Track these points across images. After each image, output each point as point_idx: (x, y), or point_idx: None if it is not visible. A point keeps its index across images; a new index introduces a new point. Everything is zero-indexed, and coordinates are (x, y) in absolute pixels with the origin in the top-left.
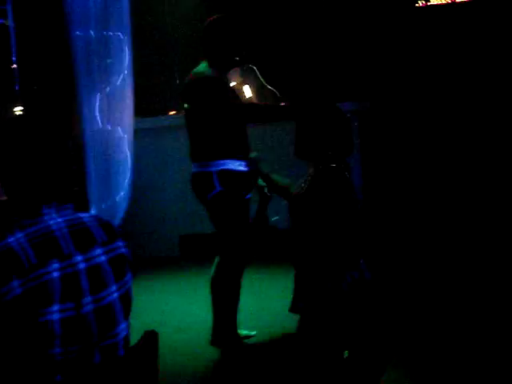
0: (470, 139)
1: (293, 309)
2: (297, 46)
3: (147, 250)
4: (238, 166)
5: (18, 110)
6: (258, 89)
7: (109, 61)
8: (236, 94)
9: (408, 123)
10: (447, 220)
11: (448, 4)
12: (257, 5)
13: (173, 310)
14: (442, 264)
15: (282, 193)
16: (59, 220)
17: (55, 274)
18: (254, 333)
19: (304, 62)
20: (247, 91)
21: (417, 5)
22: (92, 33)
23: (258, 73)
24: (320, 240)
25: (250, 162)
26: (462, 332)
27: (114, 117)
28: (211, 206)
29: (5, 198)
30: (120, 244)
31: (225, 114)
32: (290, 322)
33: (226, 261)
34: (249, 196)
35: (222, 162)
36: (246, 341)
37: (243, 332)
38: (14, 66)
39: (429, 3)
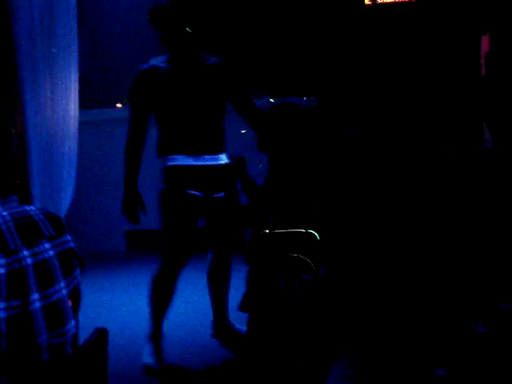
0: (411, 139)
1: (243, 307)
2: (248, 42)
3: (93, 244)
4: (192, 161)
5: None
6: None
7: (54, 50)
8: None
9: (354, 119)
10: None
11: (395, 3)
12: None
13: (120, 306)
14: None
15: (249, 187)
16: (4, 213)
17: (1, 271)
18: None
19: (252, 58)
20: None
21: (366, 2)
22: (36, 21)
23: None
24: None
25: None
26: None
27: (58, 109)
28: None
29: None
30: (68, 238)
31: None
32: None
33: (162, 261)
34: (196, 193)
35: (170, 157)
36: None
37: (243, 327)
38: None
39: (377, 2)
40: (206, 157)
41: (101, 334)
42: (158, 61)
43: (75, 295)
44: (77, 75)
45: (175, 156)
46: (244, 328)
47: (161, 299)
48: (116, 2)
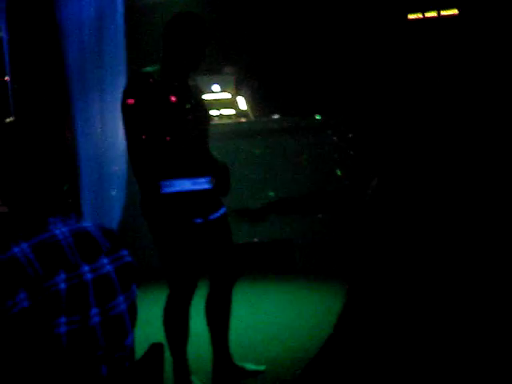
0: (461, 149)
1: None
2: (288, 56)
3: (142, 261)
4: (190, 185)
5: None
6: (252, 100)
7: (103, 71)
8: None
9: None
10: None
11: (435, 18)
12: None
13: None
14: None
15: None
16: (64, 230)
17: (62, 286)
18: (262, 368)
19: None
20: (241, 103)
21: (409, 17)
22: (86, 43)
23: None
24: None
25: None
26: None
27: (107, 129)
28: (151, 231)
29: (5, 209)
30: (125, 253)
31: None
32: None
33: (172, 293)
34: (198, 220)
35: (164, 183)
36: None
37: (251, 367)
38: (7, 78)
39: (419, 17)
40: (200, 180)
41: (157, 349)
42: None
43: (133, 309)
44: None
45: (171, 181)
46: (247, 365)
47: (177, 331)
48: (162, 19)
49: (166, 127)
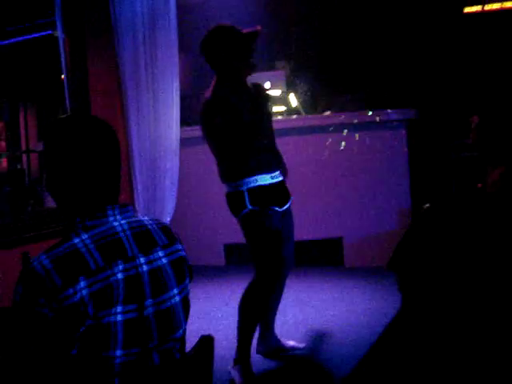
0: None
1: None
2: (348, 51)
3: (193, 258)
4: (270, 179)
5: None
6: (303, 97)
7: (156, 71)
8: (252, 100)
9: (457, 131)
10: None
11: (498, 10)
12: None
13: (220, 319)
14: None
15: None
16: (123, 222)
17: (120, 276)
18: (302, 345)
19: (353, 68)
20: (293, 100)
21: (466, 11)
22: (140, 47)
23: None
24: None
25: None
26: None
27: (160, 128)
28: (243, 224)
29: (55, 206)
30: (179, 247)
31: (228, 135)
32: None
33: (259, 279)
34: (281, 209)
35: (251, 179)
36: (291, 353)
37: (289, 343)
38: (63, 76)
39: (476, 10)
40: (275, 174)
41: (207, 342)
42: (212, 91)
43: (186, 302)
44: (178, 94)
45: (254, 177)
46: (287, 342)
47: (258, 314)
48: (214, 22)
49: (253, 132)
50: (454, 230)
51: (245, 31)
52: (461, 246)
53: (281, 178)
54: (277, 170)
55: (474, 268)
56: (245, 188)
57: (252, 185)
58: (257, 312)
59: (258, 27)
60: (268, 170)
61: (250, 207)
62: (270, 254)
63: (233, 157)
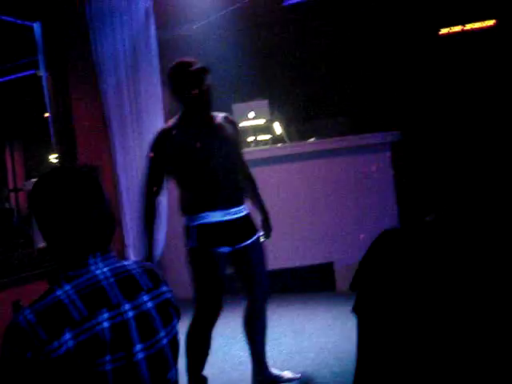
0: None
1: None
2: (327, 78)
3: (183, 291)
4: (221, 216)
5: (52, 158)
6: (287, 124)
7: (140, 106)
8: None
9: (441, 152)
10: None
11: (469, 31)
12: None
13: (215, 351)
14: None
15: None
16: (105, 269)
17: (105, 324)
18: (298, 375)
19: (333, 94)
20: (277, 128)
21: (440, 33)
22: (123, 76)
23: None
24: None
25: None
26: None
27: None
28: (187, 258)
29: (44, 245)
30: (164, 289)
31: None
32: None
33: (194, 315)
34: (224, 249)
35: (201, 215)
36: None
37: (285, 374)
38: (47, 114)
39: (450, 31)
40: (231, 210)
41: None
42: (173, 123)
43: (174, 343)
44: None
45: (207, 213)
46: (283, 374)
47: (197, 352)
48: (198, 53)
49: (186, 168)
50: (407, 254)
51: (194, 68)
52: (412, 270)
53: (241, 214)
54: (236, 207)
55: (425, 289)
56: (190, 224)
57: (196, 222)
58: (197, 348)
59: (207, 67)
60: (221, 207)
61: (191, 244)
62: (203, 291)
63: (180, 191)
